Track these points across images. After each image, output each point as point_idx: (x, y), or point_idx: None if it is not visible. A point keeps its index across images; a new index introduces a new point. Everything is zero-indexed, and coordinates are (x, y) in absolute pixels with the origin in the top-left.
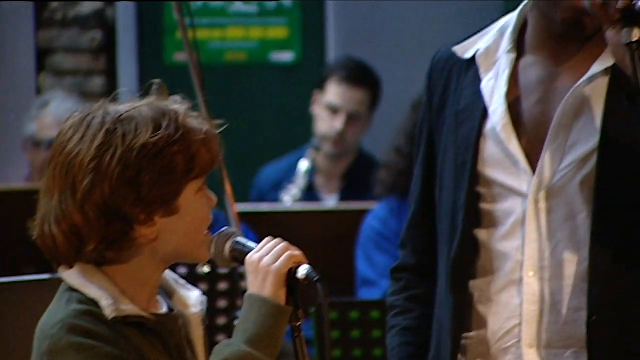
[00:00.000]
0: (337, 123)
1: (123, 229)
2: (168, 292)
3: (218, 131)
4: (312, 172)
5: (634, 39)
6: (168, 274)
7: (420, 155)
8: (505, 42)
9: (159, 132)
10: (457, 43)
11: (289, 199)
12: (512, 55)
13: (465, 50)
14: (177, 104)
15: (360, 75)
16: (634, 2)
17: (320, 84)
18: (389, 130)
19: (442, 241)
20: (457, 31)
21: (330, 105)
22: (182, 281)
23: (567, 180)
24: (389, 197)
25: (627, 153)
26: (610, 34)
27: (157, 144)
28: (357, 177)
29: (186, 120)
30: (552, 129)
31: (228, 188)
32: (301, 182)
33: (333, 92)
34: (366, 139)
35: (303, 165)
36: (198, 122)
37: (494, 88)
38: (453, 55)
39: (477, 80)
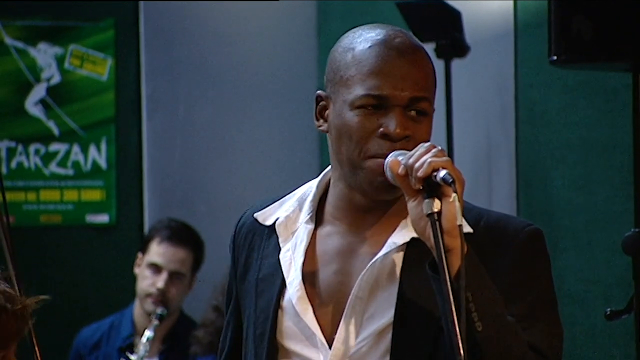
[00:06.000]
0: (159, 282)
1: None
2: None
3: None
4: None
5: (435, 209)
6: None
7: (228, 318)
8: (304, 213)
9: None
10: (258, 210)
11: None
12: (310, 227)
13: (266, 218)
14: None
15: (183, 235)
16: (434, 173)
17: (143, 246)
18: (207, 290)
19: None
20: (276, 187)
21: (152, 264)
22: None
23: (364, 353)
24: (206, 356)
25: (420, 328)
26: (411, 205)
27: None
28: (178, 339)
29: None
30: (350, 303)
31: (38, 353)
32: (142, 351)
33: (155, 252)
34: (186, 300)
35: (146, 334)
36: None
37: (291, 259)
38: (255, 221)
39: (278, 249)
